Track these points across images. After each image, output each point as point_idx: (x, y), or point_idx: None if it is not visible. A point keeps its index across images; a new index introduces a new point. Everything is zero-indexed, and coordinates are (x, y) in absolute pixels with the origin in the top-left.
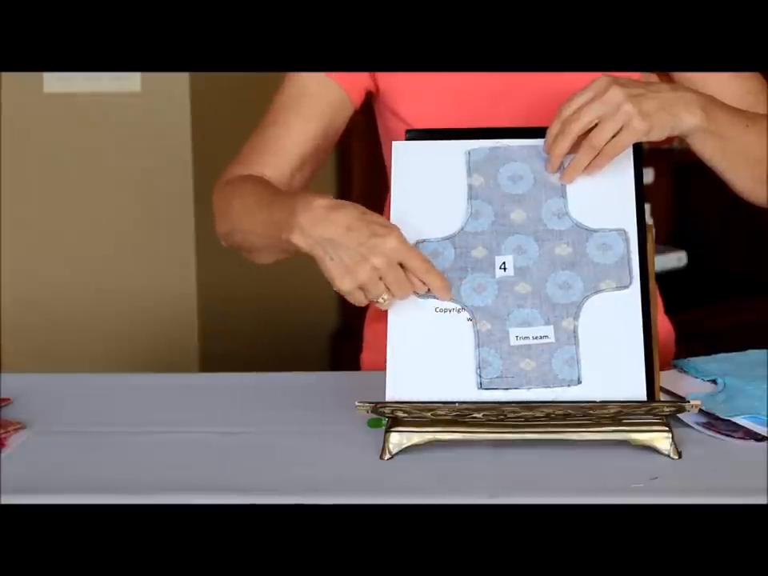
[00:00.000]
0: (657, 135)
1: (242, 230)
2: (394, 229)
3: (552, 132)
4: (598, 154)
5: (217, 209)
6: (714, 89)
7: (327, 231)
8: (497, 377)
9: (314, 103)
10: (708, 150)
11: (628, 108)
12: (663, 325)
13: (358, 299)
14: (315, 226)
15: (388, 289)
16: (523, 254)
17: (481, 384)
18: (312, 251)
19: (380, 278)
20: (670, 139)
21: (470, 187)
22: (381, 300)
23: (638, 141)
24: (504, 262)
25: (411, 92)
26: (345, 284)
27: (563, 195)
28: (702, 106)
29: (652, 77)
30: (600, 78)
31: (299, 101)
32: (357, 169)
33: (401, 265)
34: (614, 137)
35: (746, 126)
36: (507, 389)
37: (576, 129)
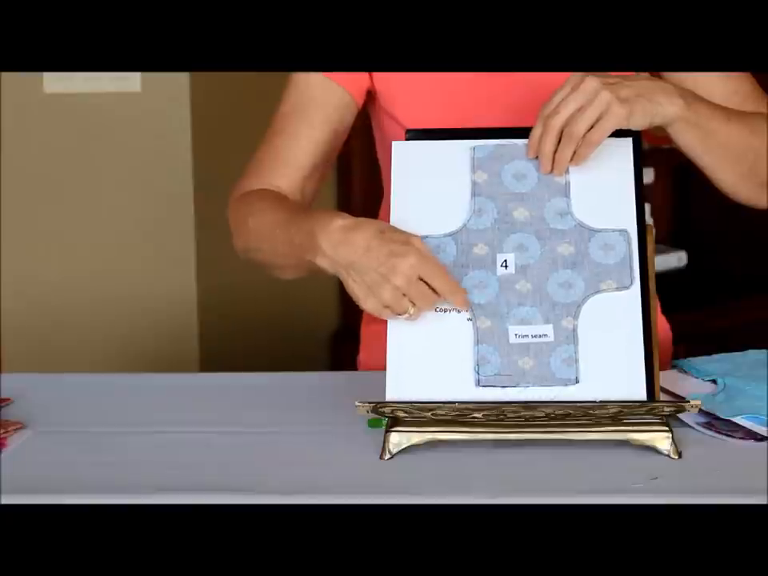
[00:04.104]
0: (638, 121)
1: (262, 251)
2: (413, 244)
3: (536, 133)
4: (582, 143)
5: (232, 225)
6: (703, 88)
7: (347, 254)
8: (495, 374)
9: (320, 110)
10: (689, 142)
11: (605, 95)
12: (661, 325)
13: (386, 316)
14: (335, 249)
15: (413, 303)
16: (525, 253)
17: (479, 381)
18: (336, 273)
19: (404, 295)
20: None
21: (474, 184)
22: (407, 315)
23: (620, 126)
24: (505, 260)
25: (407, 95)
26: (369, 304)
27: (567, 195)
28: (681, 95)
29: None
30: (574, 74)
31: (305, 108)
32: (357, 168)
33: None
34: (595, 126)
35: (728, 120)
36: (505, 386)
37: (558, 123)
